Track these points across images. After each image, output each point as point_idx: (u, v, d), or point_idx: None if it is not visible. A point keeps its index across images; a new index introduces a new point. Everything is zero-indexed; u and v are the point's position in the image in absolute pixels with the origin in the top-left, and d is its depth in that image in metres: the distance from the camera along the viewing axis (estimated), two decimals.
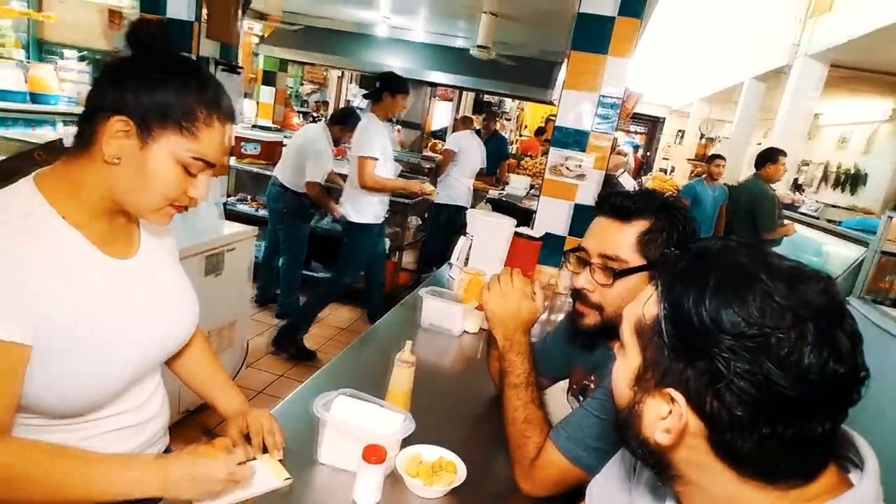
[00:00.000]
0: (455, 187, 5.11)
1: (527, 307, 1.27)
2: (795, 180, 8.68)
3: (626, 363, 0.64)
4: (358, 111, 4.35)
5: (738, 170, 8.73)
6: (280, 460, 1.06)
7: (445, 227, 5.09)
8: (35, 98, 4.65)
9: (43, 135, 4.09)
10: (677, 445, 0.58)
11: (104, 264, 0.91)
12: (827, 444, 0.56)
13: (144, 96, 0.83)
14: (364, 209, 3.47)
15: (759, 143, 11.29)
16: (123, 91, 0.83)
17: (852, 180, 9.51)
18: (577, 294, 1.16)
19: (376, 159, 3.29)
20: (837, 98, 9.03)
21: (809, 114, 7.37)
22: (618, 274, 1.09)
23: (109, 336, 0.90)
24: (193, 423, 2.51)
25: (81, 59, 5.14)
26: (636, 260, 1.08)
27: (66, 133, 4.39)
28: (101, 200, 0.88)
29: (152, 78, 0.85)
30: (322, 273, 4.48)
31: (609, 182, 2.88)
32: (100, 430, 0.95)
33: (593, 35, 2.59)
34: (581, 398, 1.26)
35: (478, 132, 5.89)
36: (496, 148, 6.13)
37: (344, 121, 3.98)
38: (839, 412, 0.54)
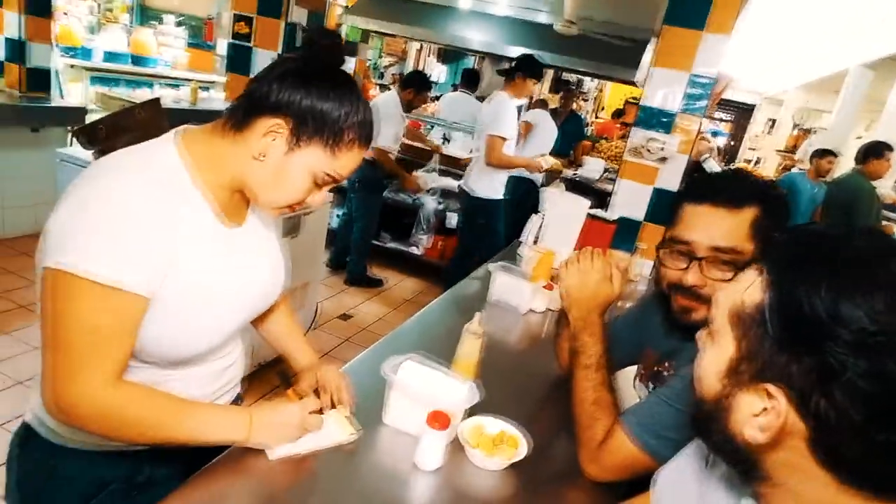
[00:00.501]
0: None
1: (605, 289, 1.24)
2: None
3: (717, 353, 0.59)
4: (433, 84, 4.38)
5: (838, 166, 8.11)
6: (347, 417, 1.09)
7: (517, 202, 5.06)
8: (136, 60, 4.92)
9: (142, 95, 4.35)
10: (772, 445, 0.54)
11: (222, 232, 0.96)
12: None
13: (309, 106, 0.87)
14: (495, 186, 3.56)
15: (860, 137, 10.44)
16: (289, 94, 0.86)
17: None
18: (680, 288, 1.08)
19: (505, 139, 3.37)
20: None
21: None
22: (740, 266, 1.01)
23: (217, 297, 0.95)
24: (265, 377, 2.63)
25: (179, 24, 5.39)
26: (752, 250, 1.01)
27: (164, 93, 4.63)
28: (233, 179, 0.93)
29: (321, 90, 0.88)
30: (391, 243, 4.56)
31: (695, 168, 2.74)
32: (185, 375, 1.01)
33: (690, 7, 2.44)
34: (652, 385, 1.22)
35: (554, 112, 5.76)
36: (573, 128, 5.97)
37: (415, 84, 3.96)
38: None
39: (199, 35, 6.47)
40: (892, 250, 0.51)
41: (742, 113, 12.28)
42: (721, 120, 14.07)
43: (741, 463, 0.60)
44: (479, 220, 3.66)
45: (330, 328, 3.58)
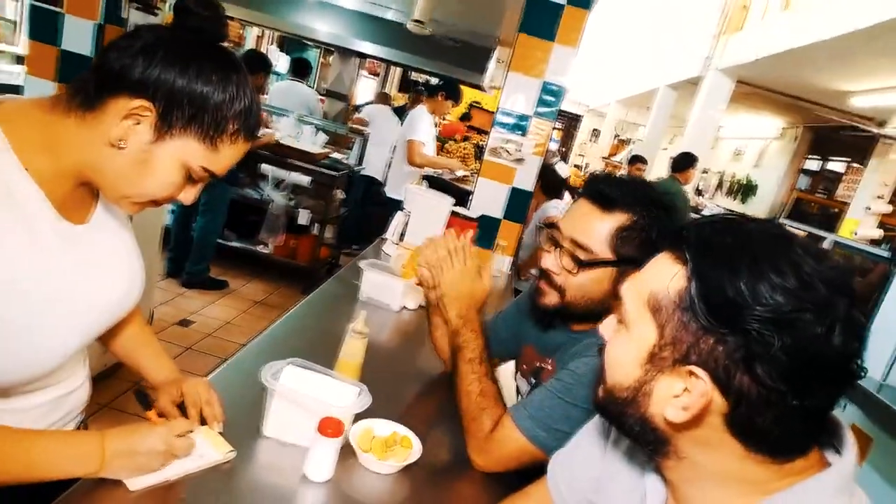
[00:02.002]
0: (370, 161, 5.10)
1: (479, 286, 1.24)
2: (697, 186, 9.31)
3: (634, 341, 0.61)
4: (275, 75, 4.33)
5: (649, 171, 9.24)
6: (220, 433, 0.97)
7: (361, 199, 5.07)
8: None
9: None
10: (691, 423, 0.57)
11: (59, 228, 0.79)
12: (824, 420, 0.58)
13: (182, 87, 0.72)
14: (400, 188, 3.80)
15: (665, 149, 12.01)
16: (159, 72, 0.71)
17: (744, 190, 10.38)
18: (542, 272, 1.15)
19: (423, 143, 3.94)
20: (737, 113, 9.77)
21: (715, 125, 7.91)
22: (583, 265, 1.07)
23: (54, 309, 0.78)
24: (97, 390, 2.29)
25: None
26: (605, 254, 1.06)
27: None
28: (75, 167, 0.76)
29: (201, 70, 0.73)
30: (236, 242, 4.24)
31: (546, 169, 2.92)
32: (13, 407, 0.82)
33: (542, 20, 2.59)
34: (533, 380, 1.26)
35: (402, 109, 5.83)
36: None
37: (250, 66, 3.73)
38: (843, 387, 0.55)
39: None
40: (791, 234, 0.56)
41: (570, 122, 13.44)
42: (554, 128, 15.28)
43: (652, 443, 0.62)
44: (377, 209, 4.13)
45: (168, 336, 3.23)
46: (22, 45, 4.37)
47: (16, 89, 3.57)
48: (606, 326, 0.68)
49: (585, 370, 1.03)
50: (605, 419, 0.73)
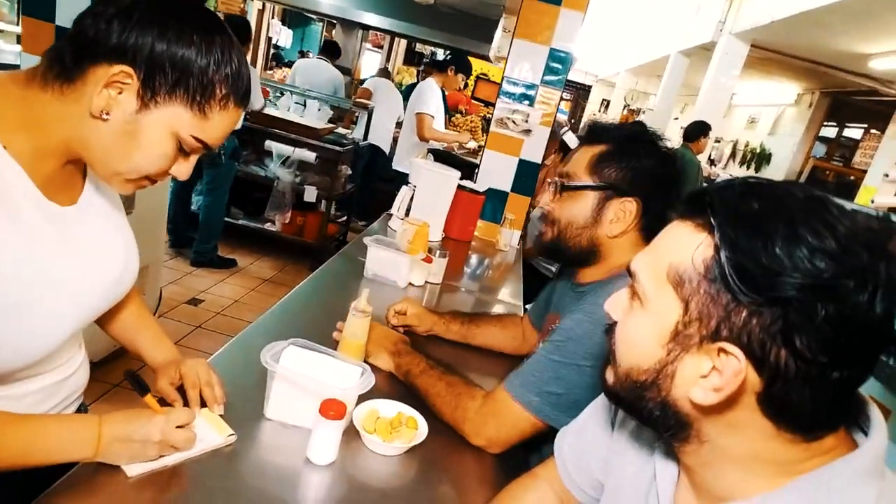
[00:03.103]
0: (375, 130, 5.02)
1: (393, 337, 1.31)
2: (709, 155, 9.15)
3: (654, 318, 0.56)
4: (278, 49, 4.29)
5: None
6: (220, 415, 0.95)
7: (365, 170, 5.03)
8: None
9: None
10: (722, 405, 0.53)
11: (46, 210, 0.75)
12: (855, 391, 0.54)
13: (162, 51, 0.68)
14: (407, 161, 3.72)
15: (676, 118, 11.79)
16: (138, 36, 0.67)
17: (758, 159, 10.19)
18: (542, 214, 1.23)
19: (433, 116, 3.90)
20: (751, 79, 9.52)
21: (728, 92, 7.70)
22: (564, 188, 1.15)
23: (46, 289, 0.75)
24: (98, 376, 2.30)
25: None
26: (585, 178, 1.13)
27: None
28: (60, 144, 0.72)
29: (181, 33, 0.69)
30: (243, 220, 4.22)
31: (555, 140, 2.85)
32: (9, 393, 0.80)
33: None
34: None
35: (413, 87, 5.76)
36: None
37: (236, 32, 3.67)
38: (881, 355, 0.51)
39: None
40: (823, 196, 0.51)
41: (579, 92, 13.22)
42: (562, 98, 15.05)
43: (673, 427, 0.58)
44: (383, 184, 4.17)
45: (177, 315, 3.23)
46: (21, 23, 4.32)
47: (15, 68, 3.54)
48: (615, 304, 0.63)
49: (573, 325, 1.04)
50: (617, 405, 0.68)
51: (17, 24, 4.43)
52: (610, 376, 0.63)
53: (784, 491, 0.53)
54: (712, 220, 0.51)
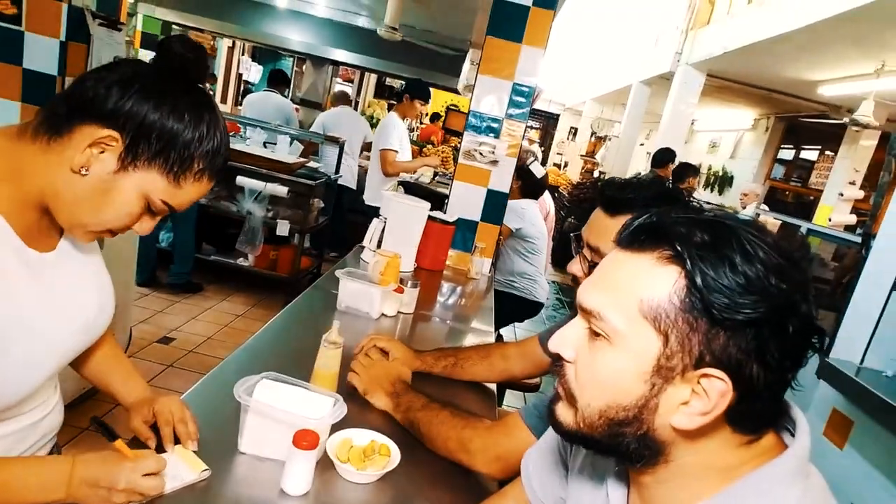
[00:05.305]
0: (342, 169, 4.98)
1: (392, 376, 1.30)
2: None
3: (630, 355, 0.56)
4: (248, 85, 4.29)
5: (626, 167, 9.32)
6: (195, 451, 0.96)
7: (335, 206, 4.99)
8: None
9: None
10: (706, 425, 0.55)
11: (27, 258, 0.78)
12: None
13: (154, 122, 0.73)
14: (378, 195, 3.78)
15: (642, 144, 12.14)
16: (133, 104, 0.72)
17: (720, 181, 10.52)
18: (574, 278, 1.17)
19: (395, 151, 3.89)
20: (710, 106, 9.90)
21: (688, 119, 7.99)
22: (594, 265, 1.07)
23: (22, 335, 0.77)
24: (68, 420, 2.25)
25: None
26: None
27: None
28: (37, 193, 0.76)
29: (175, 107, 0.74)
30: (215, 256, 4.20)
31: (521, 171, 2.94)
32: None
33: (509, 22, 2.61)
34: None
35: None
36: None
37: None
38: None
39: None
40: (750, 220, 0.58)
41: (548, 121, 13.52)
42: (531, 127, 15.37)
43: (646, 456, 0.58)
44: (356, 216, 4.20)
45: (149, 354, 3.19)
46: None
47: None
48: (564, 342, 0.61)
49: None
50: (579, 444, 0.65)
51: None
52: (567, 418, 0.61)
53: (721, 496, 0.57)
54: (682, 253, 0.53)
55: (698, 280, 0.52)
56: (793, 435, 0.59)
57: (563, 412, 0.62)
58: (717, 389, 0.53)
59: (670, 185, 1.11)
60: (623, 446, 0.58)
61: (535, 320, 3.89)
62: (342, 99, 5.48)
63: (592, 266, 1.08)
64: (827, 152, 8.77)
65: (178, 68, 0.79)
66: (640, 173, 1.31)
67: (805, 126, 9.04)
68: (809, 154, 9.48)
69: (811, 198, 8.97)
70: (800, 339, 0.53)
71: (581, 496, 0.75)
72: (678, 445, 0.57)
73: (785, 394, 0.57)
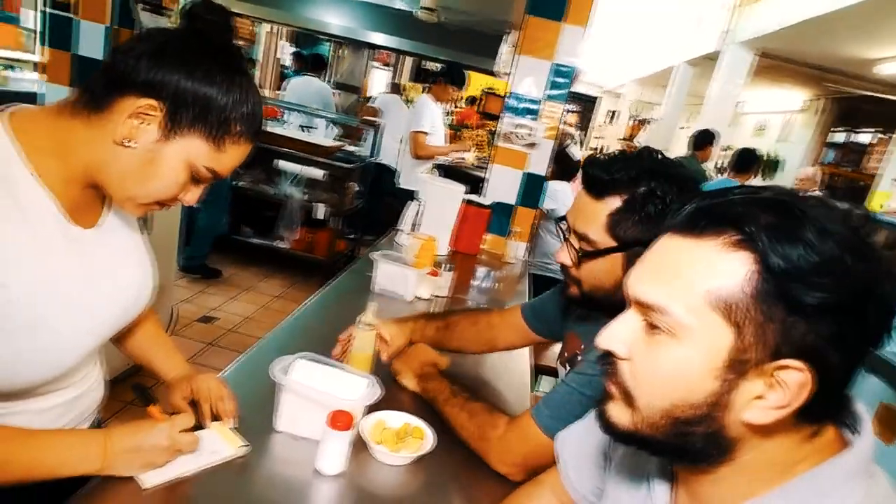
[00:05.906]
0: (384, 149, 5.04)
1: (421, 359, 1.32)
2: (717, 163, 9.13)
3: (699, 350, 0.52)
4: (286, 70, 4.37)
5: (667, 151, 9.07)
6: (233, 428, 0.98)
7: (372, 187, 5.04)
8: None
9: None
10: (779, 421, 0.51)
11: (71, 234, 0.80)
12: None
13: (187, 88, 0.74)
14: (411, 179, 3.82)
15: (683, 128, 11.78)
16: (166, 73, 0.73)
17: (768, 166, 10.13)
18: (562, 266, 1.11)
19: (427, 133, 3.93)
20: (758, 87, 9.51)
21: (734, 101, 7.69)
22: (583, 256, 1.03)
23: (67, 309, 0.79)
24: (113, 394, 2.33)
25: None
26: (606, 241, 1.00)
27: None
28: (83, 169, 0.77)
29: (207, 73, 0.75)
30: (254, 238, 4.27)
31: (559, 153, 2.88)
32: (25, 409, 0.83)
33: (550, 0, 2.54)
34: (569, 367, 1.23)
35: None
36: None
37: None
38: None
39: None
40: (801, 195, 0.53)
41: (587, 104, 13.26)
42: (569, 111, 15.12)
43: (713, 455, 0.55)
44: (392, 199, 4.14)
45: (191, 333, 3.28)
46: (38, 52, 4.46)
47: (34, 96, 3.64)
48: (618, 339, 0.57)
49: None
50: (636, 446, 0.60)
51: (35, 53, 4.56)
52: (623, 419, 0.58)
53: (776, 494, 0.54)
54: (752, 236, 0.49)
55: (773, 264, 0.48)
56: (853, 430, 0.55)
57: (618, 413, 0.58)
58: (795, 381, 0.49)
59: (660, 157, 1.01)
60: (689, 446, 0.54)
61: None
62: (393, 89, 5.98)
63: (581, 255, 1.04)
64: (883, 135, 8.34)
65: (204, 32, 0.79)
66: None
67: (860, 107, 8.61)
68: (864, 137, 9.03)
69: (862, 183, 8.57)
70: (880, 320, 0.49)
71: (620, 490, 0.72)
72: (747, 442, 0.54)
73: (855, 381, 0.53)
